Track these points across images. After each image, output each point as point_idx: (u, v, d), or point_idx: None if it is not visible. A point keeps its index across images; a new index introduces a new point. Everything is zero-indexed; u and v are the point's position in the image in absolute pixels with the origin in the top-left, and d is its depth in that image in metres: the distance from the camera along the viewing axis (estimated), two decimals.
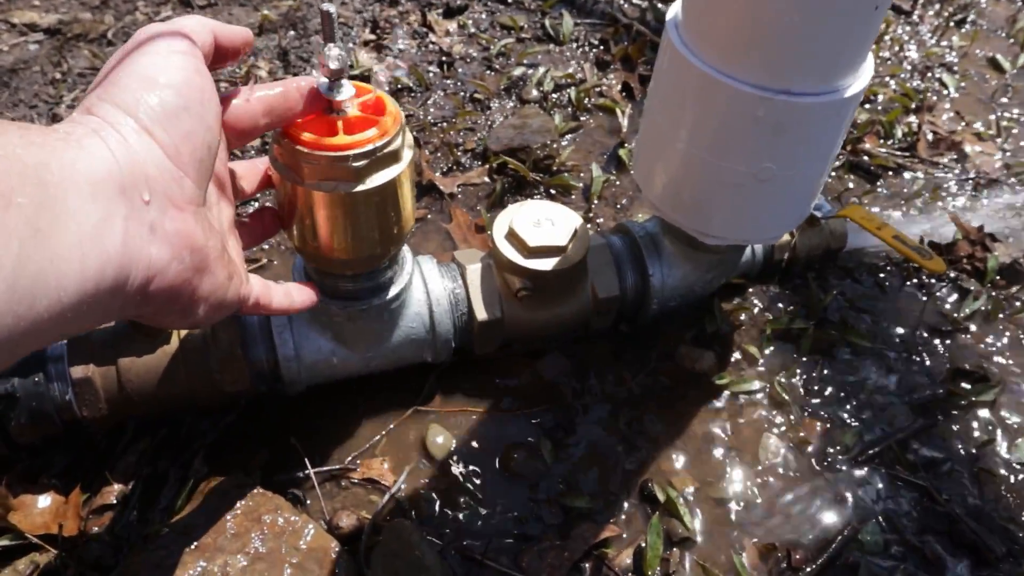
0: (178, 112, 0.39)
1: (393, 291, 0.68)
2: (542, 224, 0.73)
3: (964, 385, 0.82)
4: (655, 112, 0.69)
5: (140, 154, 0.37)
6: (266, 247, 0.93)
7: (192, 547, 0.63)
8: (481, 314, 0.73)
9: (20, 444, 0.68)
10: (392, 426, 0.76)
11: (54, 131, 0.35)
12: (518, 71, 1.19)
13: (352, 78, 0.55)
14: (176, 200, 0.39)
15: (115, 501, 0.70)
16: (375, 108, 0.58)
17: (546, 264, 0.72)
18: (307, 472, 0.71)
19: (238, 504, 0.66)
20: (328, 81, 0.54)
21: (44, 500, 0.69)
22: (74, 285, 0.32)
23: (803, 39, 0.56)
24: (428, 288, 0.72)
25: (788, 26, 0.55)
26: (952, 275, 0.93)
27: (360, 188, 0.56)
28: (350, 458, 0.73)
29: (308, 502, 0.70)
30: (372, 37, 1.26)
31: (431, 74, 1.19)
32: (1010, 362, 0.84)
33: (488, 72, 1.20)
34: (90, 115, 0.37)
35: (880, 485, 0.74)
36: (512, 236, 0.73)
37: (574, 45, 1.27)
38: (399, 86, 1.16)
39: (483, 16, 1.33)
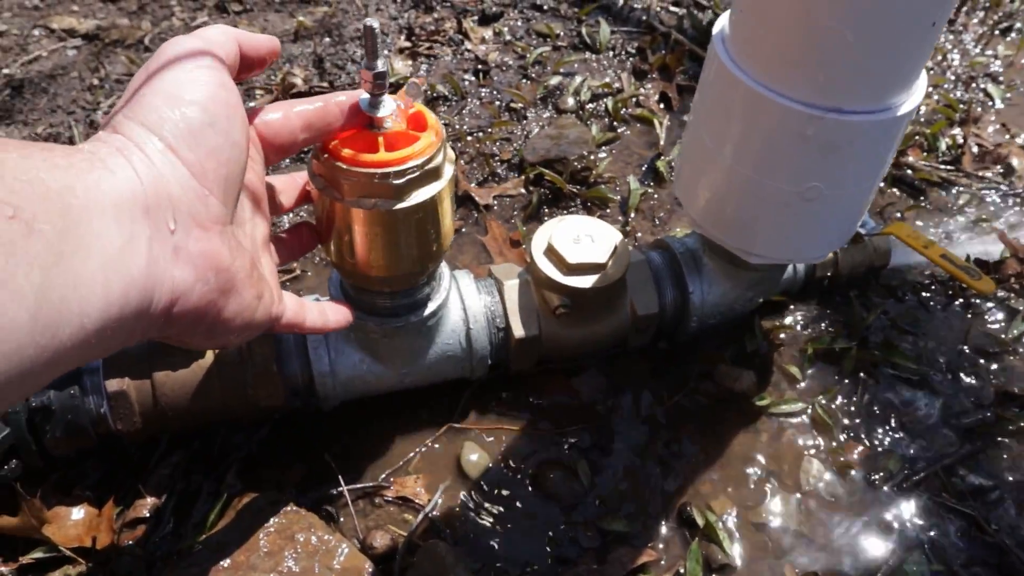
0: (203, 129, 0.39)
1: (430, 308, 0.67)
2: (582, 240, 0.72)
3: (1013, 409, 0.79)
4: (699, 127, 0.67)
5: (165, 174, 0.36)
6: (302, 258, 0.92)
7: (225, 564, 0.63)
8: (519, 331, 0.72)
9: (55, 456, 0.68)
10: (427, 443, 0.75)
11: (79, 151, 0.34)
12: (554, 80, 1.18)
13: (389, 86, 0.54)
14: (201, 220, 0.38)
15: (148, 515, 0.70)
16: (416, 123, 0.57)
17: (585, 281, 0.70)
18: (340, 489, 0.71)
19: (271, 521, 0.66)
20: (369, 97, 0.53)
21: (78, 512, 0.69)
22: (97, 311, 0.32)
23: (856, 57, 0.54)
24: (465, 304, 0.71)
25: (841, 44, 0.53)
26: (1000, 295, 0.90)
27: (400, 205, 0.55)
28: (384, 475, 0.72)
29: (341, 520, 0.70)
30: (407, 44, 1.26)
31: (466, 82, 1.19)
32: None
33: (524, 81, 1.19)
34: (115, 134, 0.37)
35: (926, 513, 0.72)
36: (551, 252, 0.72)
37: (611, 53, 1.26)
38: (435, 94, 1.15)
39: (519, 24, 1.32)
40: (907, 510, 0.72)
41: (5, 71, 1.21)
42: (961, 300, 0.90)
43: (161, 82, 0.39)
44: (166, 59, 0.40)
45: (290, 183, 0.58)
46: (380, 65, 0.51)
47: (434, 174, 0.56)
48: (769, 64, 0.58)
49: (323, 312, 0.57)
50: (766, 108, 0.59)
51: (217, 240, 0.39)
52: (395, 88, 0.57)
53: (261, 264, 0.47)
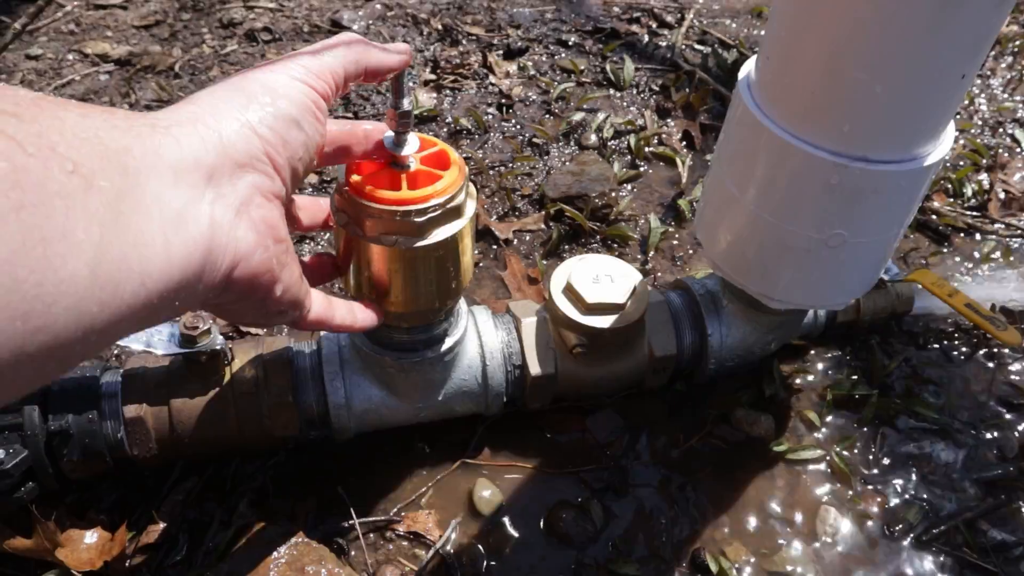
0: (289, 121, 0.41)
1: (447, 344, 0.67)
2: (601, 280, 0.72)
3: None
4: (722, 171, 0.67)
5: (235, 142, 0.37)
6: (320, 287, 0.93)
7: None
8: (535, 369, 0.71)
9: (71, 480, 0.68)
10: (439, 478, 0.74)
11: (143, 117, 0.35)
12: (577, 116, 1.18)
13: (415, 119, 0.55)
14: (264, 190, 0.39)
15: (160, 540, 0.70)
16: (438, 161, 0.57)
17: (604, 322, 0.70)
18: (352, 522, 0.70)
19: (282, 552, 0.65)
20: (394, 135, 0.53)
21: (91, 536, 0.69)
22: (159, 270, 0.32)
23: (883, 108, 0.54)
24: (482, 340, 0.71)
25: (868, 94, 0.53)
26: None
27: (421, 243, 0.55)
28: (396, 509, 0.72)
29: (352, 553, 0.69)
30: (432, 77, 1.27)
31: (490, 116, 1.19)
32: None
33: (547, 116, 1.20)
34: (190, 105, 0.38)
35: (945, 568, 0.70)
36: (570, 291, 0.72)
37: (634, 91, 1.26)
38: (458, 127, 1.16)
39: (543, 59, 1.33)
40: (926, 564, 0.71)
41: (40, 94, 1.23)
42: (985, 349, 0.89)
43: (262, 74, 0.41)
44: (271, 65, 0.43)
45: (313, 204, 0.58)
46: (406, 104, 0.51)
47: (456, 212, 0.56)
48: (795, 112, 0.58)
49: (352, 311, 0.56)
50: (791, 155, 0.59)
51: (277, 212, 0.41)
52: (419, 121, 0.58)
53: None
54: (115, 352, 0.85)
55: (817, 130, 0.57)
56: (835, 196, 0.59)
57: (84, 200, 0.28)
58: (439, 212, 0.55)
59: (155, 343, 0.65)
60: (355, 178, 0.55)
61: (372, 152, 0.53)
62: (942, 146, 0.59)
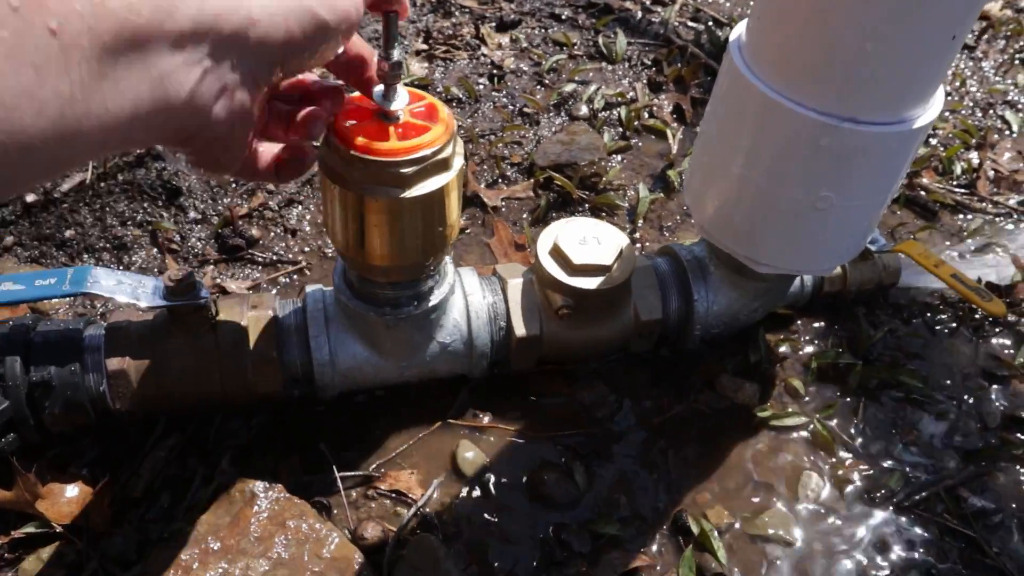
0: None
1: (433, 300, 0.67)
2: (588, 242, 0.72)
3: (1019, 434, 0.78)
4: (711, 134, 0.67)
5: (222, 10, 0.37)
6: (307, 250, 0.93)
7: (215, 548, 0.62)
8: (520, 330, 0.71)
9: (52, 432, 0.68)
10: (422, 437, 0.74)
11: None
12: (569, 87, 1.18)
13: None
14: (246, 77, 0.39)
15: (141, 496, 0.69)
16: (428, 114, 0.57)
17: (590, 283, 0.70)
18: (334, 478, 0.70)
19: (263, 507, 0.65)
20: (384, 88, 0.53)
21: (72, 490, 0.69)
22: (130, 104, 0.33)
23: (875, 68, 0.54)
24: (468, 300, 0.71)
25: (860, 54, 0.53)
26: (1011, 319, 0.89)
27: (407, 195, 0.55)
28: (375, 466, 0.72)
29: (334, 511, 0.69)
30: (424, 47, 1.26)
31: (481, 86, 1.19)
32: None
33: (538, 87, 1.20)
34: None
35: (926, 533, 0.71)
36: (556, 252, 0.71)
37: (626, 64, 1.26)
38: (449, 97, 1.16)
39: (536, 31, 1.33)
40: (907, 529, 0.71)
41: None
42: (970, 323, 0.89)
43: None
44: None
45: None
46: (396, 55, 0.51)
47: (443, 165, 0.56)
48: (785, 72, 0.58)
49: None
50: (780, 116, 0.59)
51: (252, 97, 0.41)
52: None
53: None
54: (100, 308, 0.84)
55: (807, 90, 0.57)
56: (824, 158, 0.59)
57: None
58: (427, 164, 0.55)
59: (140, 296, 0.64)
60: (342, 127, 0.54)
61: (364, 86, 0.53)
62: (931, 110, 0.59)
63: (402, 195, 0.55)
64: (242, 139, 0.42)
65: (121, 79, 0.32)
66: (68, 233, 0.91)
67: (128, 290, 0.65)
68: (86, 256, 0.90)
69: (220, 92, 0.38)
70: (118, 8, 0.31)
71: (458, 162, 0.58)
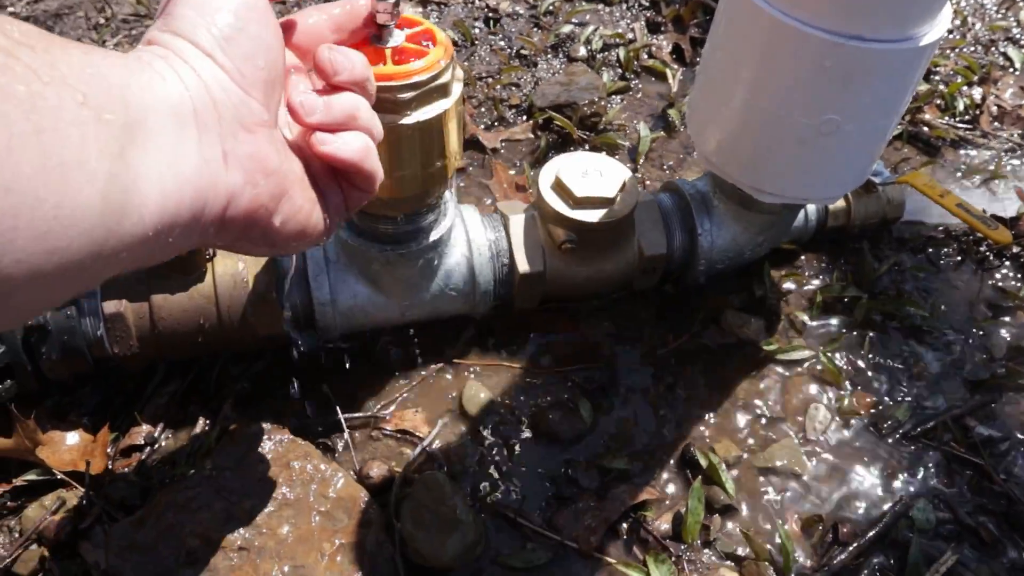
0: (236, 35, 0.38)
1: (433, 236, 0.65)
2: (590, 175, 0.70)
3: None
4: (714, 60, 0.65)
5: (206, 79, 0.36)
6: None
7: (218, 489, 0.62)
8: (523, 266, 0.70)
9: (51, 380, 0.67)
10: (426, 376, 0.73)
11: (129, 55, 0.35)
12: (566, 29, 1.15)
13: None
14: (246, 123, 0.37)
15: (143, 442, 0.69)
16: (424, 38, 0.55)
17: (593, 216, 0.69)
18: (338, 419, 0.70)
19: (267, 448, 0.65)
20: (379, 29, 0.51)
21: (72, 437, 0.69)
22: (155, 206, 0.32)
23: None
24: (470, 237, 0.70)
25: None
26: (1015, 251, 0.89)
27: (405, 121, 0.54)
28: (380, 406, 0.71)
29: (339, 451, 0.69)
30: None
31: (477, 30, 1.16)
32: None
33: (535, 29, 1.17)
34: (153, 45, 0.36)
35: (933, 462, 0.71)
36: (559, 186, 0.70)
37: (624, 6, 1.23)
38: None
39: None
40: (914, 458, 0.71)
41: (11, 9, 1.19)
42: (975, 256, 0.88)
43: None
44: None
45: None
46: None
47: (442, 91, 0.55)
48: None
49: None
50: (785, 36, 0.57)
51: (264, 143, 0.38)
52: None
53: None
54: None
55: (812, 8, 0.56)
56: (829, 78, 0.58)
57: (95, 131, 0.29)
58: (424, 89, 0.53)
59: None
60: None
61: (365, 24, 0.51)
62: (937, 28, 0.58)
63: (399, 122, 0.53)
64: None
65: None
66: None
67: None
68: None
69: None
70: None
71: (457, 88, 0.56)
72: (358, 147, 0.41)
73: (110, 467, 0.67)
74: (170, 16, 0.37)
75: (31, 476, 0.66)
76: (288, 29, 0.46)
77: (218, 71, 0.37)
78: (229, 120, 0.36)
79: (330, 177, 0.43)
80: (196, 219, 0.35)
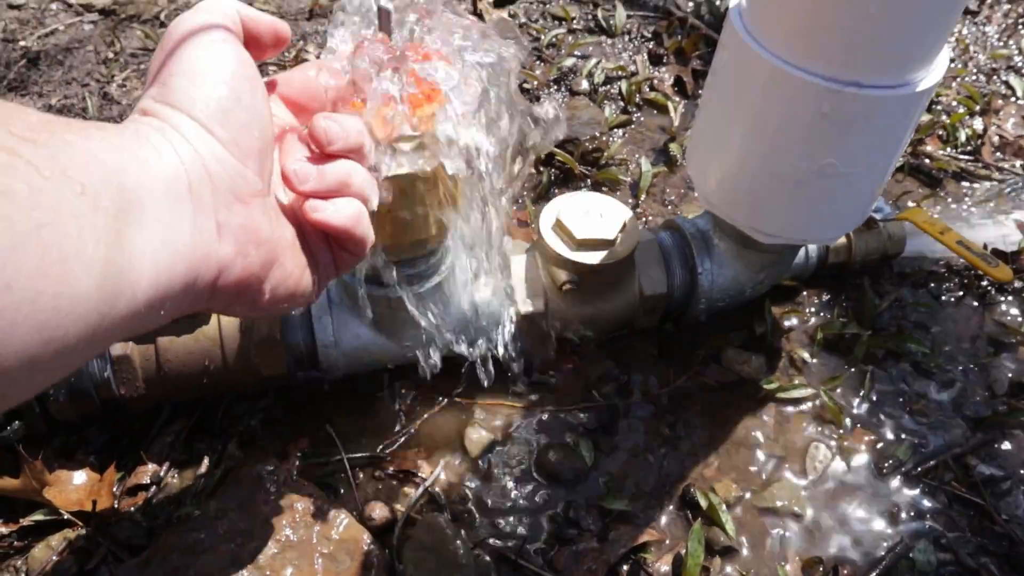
0: (231, 106, 0.38)
1: (434, 280, 0.66)
2: (591, 216, 0.71)
3: None
4: (713, 103, 0.66)
5: (202, 152, 0.36)
6: None
7: (223, 532, 0.62)
8: (524, 307, 0.71)
9: (58, 420, 0.68)
10: (429, 417, 0.74)
11: (126, 131, 0.35)
12: (568, 62, 1.17)
13: None
14: (240, 194, 0.38)
15: (149, 481, 0.69)
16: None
17: (593, 257, 0.69)
18: (341, 459, 0.70)
19: (271, 490, 0.65)
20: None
21: (79, 476, 0.69)
22: (148, 283, 0.33)
23: (877, 29, 0.53)
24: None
25: (862, 15, 0.52)
26: (1017, 285, 0.89)
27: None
28: (381, 446, 0.72)
29: (342, 492, 0.69)
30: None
31: None
32: None
33: (538, 62, 1.18)
34: (148, 116, 0.37)
35: (935, 502, 0.71)
36: (559, 227, 0.71)
37: (626, 38, 1.25)
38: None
39: (534, 6, 1.31)
40: (916, 498, 0.71)
41: (22, 43, 1.21)
42: (976, 290, 0.89)
43: (182, 62, 0.38)
44: (180, 36, 0.39)
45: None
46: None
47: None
48: (787, 37, 0.57)
49: None
50: (783, 82, 0.58)
51: (257, 213, 0.39)
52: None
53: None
54: None
55: (809, 54, 0.56)
56: (827, 123, 0.58)
57: (92, 220, 0.30)
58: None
59: None
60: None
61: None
62: (934, 73, 0.59)
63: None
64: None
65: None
66: None
67: None
68: None
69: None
70: None
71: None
72: (350, 214, 0.41)
73: (116, 506, 0.68)
74: (165, 87, 0.38)
75: (38, 516, 0.67)
76: (286, 84, 0.47)
77: (214, 144, 0.37)
78: (224, 192, 0.37)
79: (322, 240, 0.43)
80: (187, 291, 0.35)
